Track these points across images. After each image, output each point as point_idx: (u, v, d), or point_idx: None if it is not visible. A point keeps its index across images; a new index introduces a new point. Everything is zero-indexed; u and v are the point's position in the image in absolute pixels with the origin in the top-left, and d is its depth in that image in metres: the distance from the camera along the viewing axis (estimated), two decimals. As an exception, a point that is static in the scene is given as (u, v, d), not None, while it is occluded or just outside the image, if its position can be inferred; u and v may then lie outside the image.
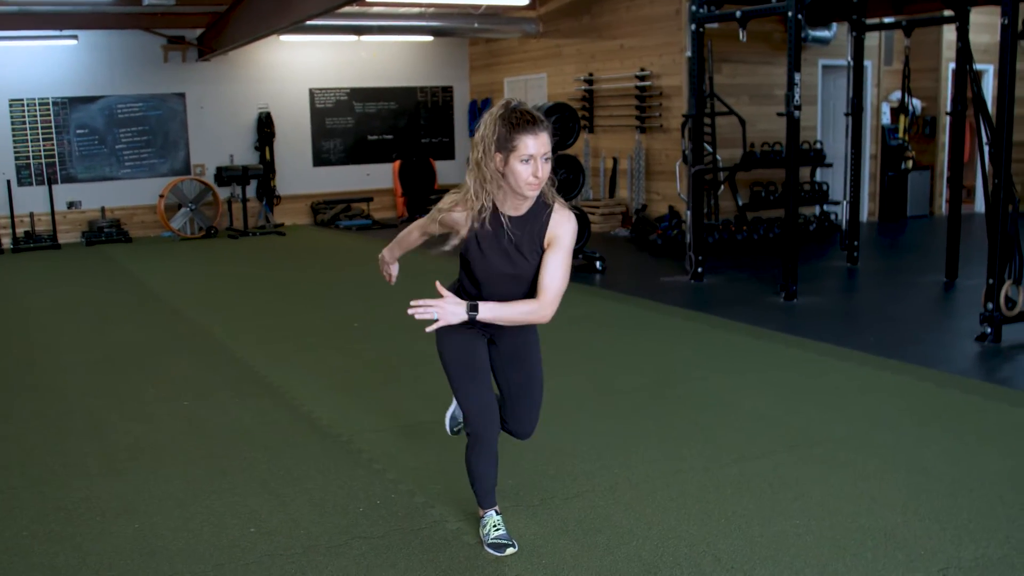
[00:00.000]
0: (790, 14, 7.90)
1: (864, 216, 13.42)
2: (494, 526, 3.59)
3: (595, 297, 8.64)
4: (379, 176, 15.99)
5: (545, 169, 3.15)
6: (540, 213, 3.30)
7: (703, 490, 4.11)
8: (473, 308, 3.19)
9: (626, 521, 3.80)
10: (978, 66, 10.62)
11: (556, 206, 3.32)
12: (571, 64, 13.86)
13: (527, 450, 4.58)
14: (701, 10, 8.90)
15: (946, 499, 3.95)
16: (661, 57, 12.16)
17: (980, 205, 14.43)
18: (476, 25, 13.83)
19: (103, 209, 13.95)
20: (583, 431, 4.89)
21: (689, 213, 9.25)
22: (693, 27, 8.94)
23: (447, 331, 3.41)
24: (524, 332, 3.56)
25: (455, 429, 4.12)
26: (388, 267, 3.97)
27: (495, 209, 3.27)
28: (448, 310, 3.18)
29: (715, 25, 10.20)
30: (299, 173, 15.39)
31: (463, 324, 3.25)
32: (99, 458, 4.71)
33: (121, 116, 14.00)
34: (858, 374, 5.88)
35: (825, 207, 12.36)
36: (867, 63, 12.43)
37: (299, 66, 15.16)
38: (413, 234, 3.69)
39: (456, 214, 3.31)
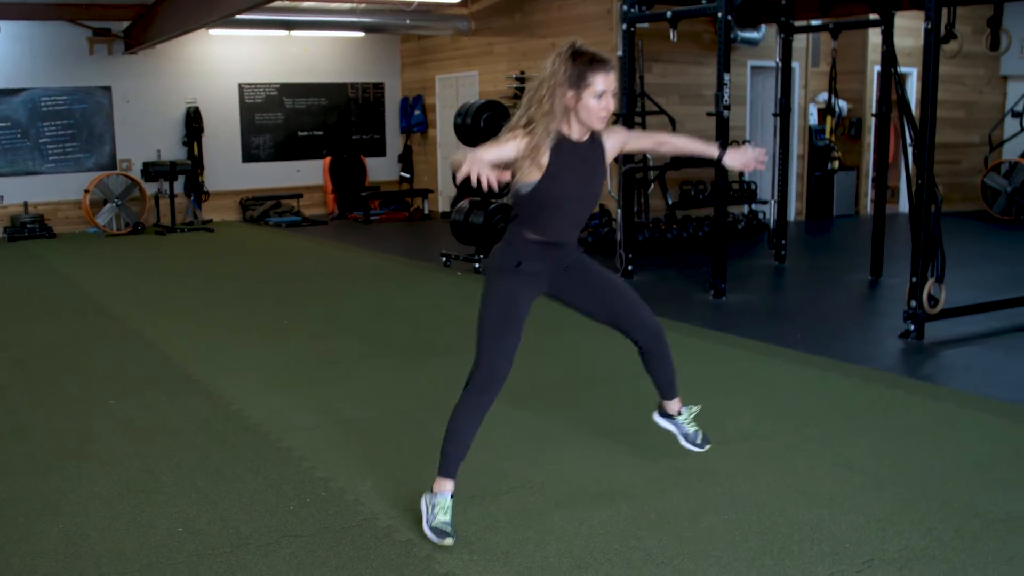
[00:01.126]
0: (720, 15, 7.98)
1: (791, 215, 13.60)
2: (444, 509, 3.58)
3: (526, 294, 8.65)
4: (309, 172, 15.86)
5: (612, 104, 3.48)
6: (596, 138, 3.63)
7: (632, 486, 4.13)
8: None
9: (557, 517, 3.81)
10: (903, 69, 10.81)
11: (602, 130, 3.64)
12: (503, 62, 13.86)
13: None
14: (632, 10, 8.96)
15: (871, 492, 4.02)
16: (592, 56, 12.20)
17: (904, 205, 14.71)
18: (408, 22, 13.79)
19: (26, 204, 13.67)
20: (514, 428, 4.90)
21: (620, 211, 9.31)
22: (624, 27, 8.99)
23: (501, 280, 3.62)
24: (580, 257, 3.80)
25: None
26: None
27: (567, 138, 3.52)
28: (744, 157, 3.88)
29: (646, 25, 10.26)
30: (228, 169, 15.21)
31: (515, 272, 3.58)
32: (22, 457, 4.62)
33: (45, 109, 13.73)
34: (785, 370, 5.97)
35: (753, 206, 12.51)
36: (795, 65, 12.61)
37: (228, 60, 14.99)
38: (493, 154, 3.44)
39: (523, 140, 3.43)
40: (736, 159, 3.86)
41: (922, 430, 4.83)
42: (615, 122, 9.66)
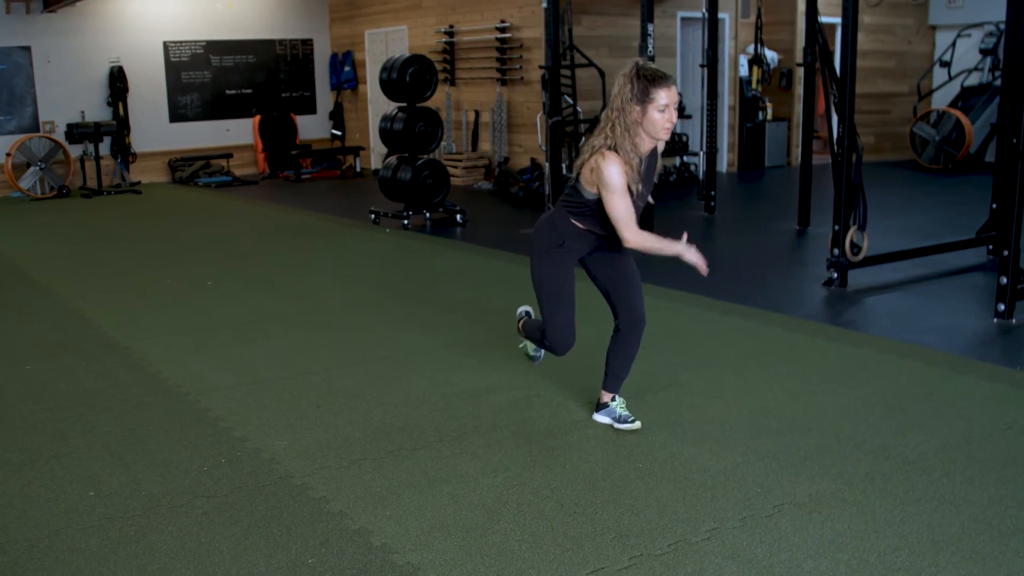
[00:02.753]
0: (643, -35, 7.94)
1: (723, 167, 13.68)
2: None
3: (456, 250, 8.63)
4: (239, 132, 15.64)
5: (675, 116, 3.76)
6: (653, 150, 3.93)
7: (548, 436, 4.14)
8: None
9: (472, 470, 3.80)
10: (829, 19, 10.89)
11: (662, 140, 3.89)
12: (432, 16, 13.73)
13: (375, 403, 4.58)
14: (557, -39, 8.88)
15: (785, 438, 4.06)
16: (521, 9, 12.13)
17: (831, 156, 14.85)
18: (335, -24, 13.59)
19: (-55, 168, 13.37)
20: (433, 383, 4.89)
21: (548, 164, 9.28)
22: (549, -22, 8.91)
23: (550, 258, 4.04)
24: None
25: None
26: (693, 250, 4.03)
27: (634, 152, 3.80)
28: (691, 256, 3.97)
29: (573, -23, 10.20)
30: (155, 129, 14.95)
31: (559, 250, 4.02)
32: (-69, 425, 4.52)
33: (-38, 71, 13.38)
34: (706, 319, 6.00)
35: (684, 158, 12.55)
36: (724, 16, 12.62)
37: (152, 18, 14.68)
38: (643, 233, 3.90)
39: (622, 169, 3.75)
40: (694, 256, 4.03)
41: (839, 376, 4.88)
42: (543, 77, 9.63)
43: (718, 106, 10.56)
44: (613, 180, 3.74)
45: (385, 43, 14.88)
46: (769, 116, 14.23)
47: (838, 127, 6.77)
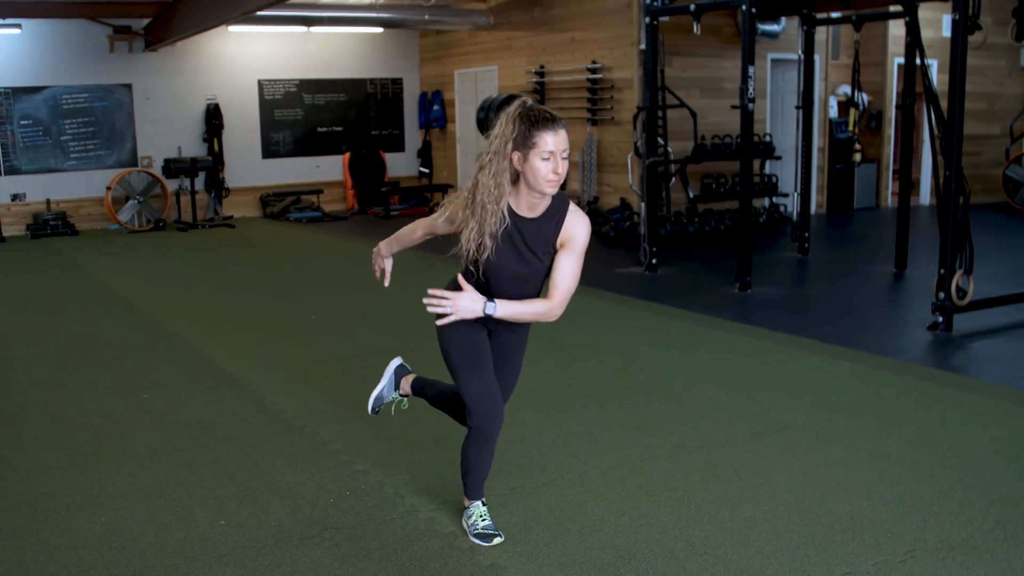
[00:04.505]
0: (744, 7, 7.97)
1: (813, 208, 13.58)
2: (480, 516, 3.59)
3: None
4: (329, 168, 15.90)
5: (564, 166, 3.18)
6: (554, 214, 3.32)
7: (670, 477, 4.15)
8: (490, 305, 3.23)
9: (597, 508, 3.83)
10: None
11: (571, 207, 3.34)
12: (522, 56, 13.87)
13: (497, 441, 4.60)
14: (655, 3, 8.96)
15: (909, 484, 4.02)
16: (612, 50, 12.21)
17: (925, 197, 14.68)
18: (426, 17, 13.80)
19: (48, 201, 13.75)
20: (550, 421, 4.92)
21: (643, 205, 9.31)
22: (647, 20, 8.98)
23: (450, 324, 3.38)
24: (522, 329, 3.59)
25: (376, 408, 4.15)
26: (382, 260, 3.93)
27: (512, 212, 3.28)
28: (463, 305, 3.24)
29: (666, 18, 10.26)
30: (248, 165, 15.26)
31: (458, 277, 3.35)
32: (59, 452, 4.65)
33: (66, 107, 13.78)
34: (814, 362, 5.97)
35: (774, 199, 12.50)
36: (816, 57, 12.59)
37: (248, 57, 15.03)
38: (417, 231, 3.67)
39: (461, 218, 3.30)
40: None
41: (955, 421, 4.83)
42: (635, 116, 9.67)
43: (811, 148, 10.52)
44: (440, 212, 3.41)
45: (475, 83, 15.05)
46: (859, 158, 14.12)
47: (943, 170, 6.72)
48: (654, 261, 9.25)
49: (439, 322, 3.30)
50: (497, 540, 3.54)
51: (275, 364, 6.20)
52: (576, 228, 3.32)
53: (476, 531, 3.57)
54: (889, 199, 14.63)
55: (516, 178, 3.25)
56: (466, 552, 3.47)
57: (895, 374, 5.68)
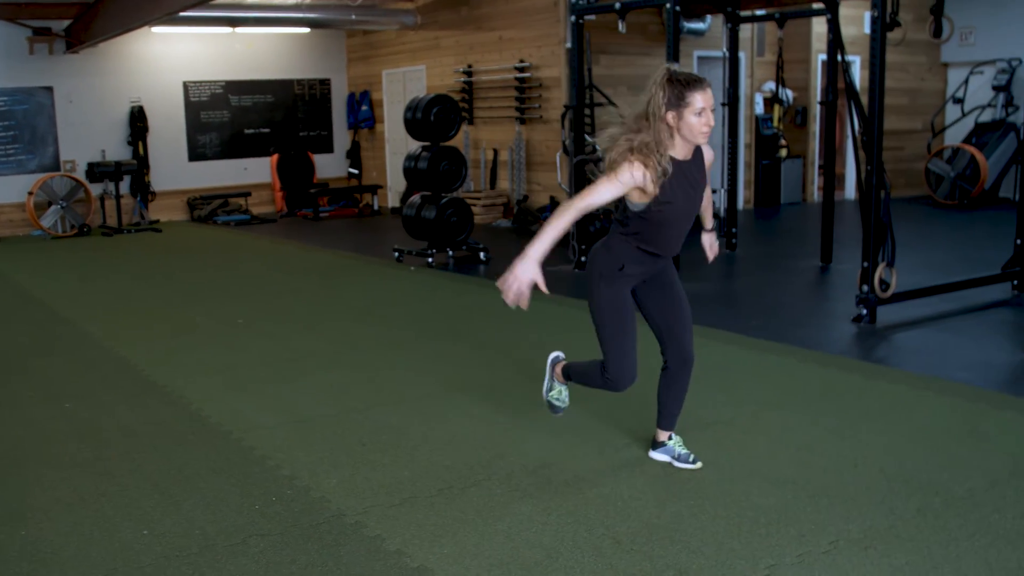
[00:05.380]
0: (668, 5, 8.02)
1: (740, 203, 13.73)
2: (559, 394, 4.48)
3: (481, 287, 8.67)
4: (257, 170, 15.74)
5: (713, 119, 3.68)
6: (697, 152, 3.83)
7: (598, 475, 4.16)
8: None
9: (525, 508, 3.82)
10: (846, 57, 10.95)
11: (703, 145, 3.85)
12: (450, 56, 13.85)
13: (420, 441, 4.60)
14: (581, 1, 8.98)
15: (832, 475, 4.07)
16: (540, 49, 12.24)
17: (850, 192, 14.90)
18: (353, 17, 13.74)
19: (-32, 208, 13.46)
20: (475, 420, 4.91)
21: (572, 203, 9.31)
22: (573, 18, 9.01)
23: (609, 284, 3.90)
24: (671, 263, 4.11)
25: (556, 410, 4.60)
26: (530, 276, 3.66)
27: (673, 160, 3.71)
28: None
29: (592, 17, 10.29)
30: (174, 168, 15.06)
31: (618, 275, 3.88)
32: (-22, 464, 4.55)
33: (-15, 111, 13.49)
34: (741, 357, 6.02)
35: (703, 195, 12.59)
36: (741, 54, 12.72)
37: (172, 58, 14.83)
38: (570, 216, 3.68)
39: (642, 172, 3.63)
40: (708, 241, 4.37)
41: (878, 412, 4.90)
42: (563, 115, 9.70)
43: (738, 144, 10.63)
44: (620, 175, 3.62)
45: (403, 83, 14.99)
46: (784, 154, 14.30)
47: (866, 164, 6.82)
48: (583, 259, 9.28)
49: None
50: (561, 411, 4.56)
51: (201, 369, 6.12)
52: (710, 153, 3.92)
53: (556, 401, 4.51)
54: (815, 194, 14.83)
55: (671, 133, 3.69)
56: (392, 555, 3.45)
57: (820, 367, 5.75)
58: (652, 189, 3.67)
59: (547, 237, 3.62)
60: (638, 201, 3.73)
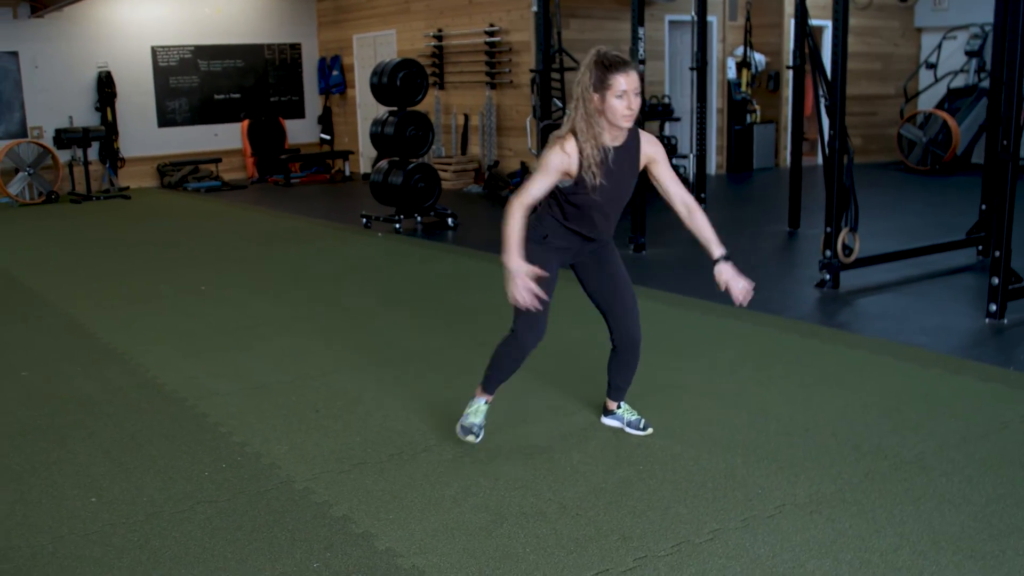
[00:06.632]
0: (634, -31, 7.96)
1: (712, 169, 13.72)
2: (477, 412, 4.09)
3: (449, 254, 8.64)
4: (227, 136, 15.62)
5: (636, 103, 3.62)
6: (633, 140, 3.79)
7: (548, 440, 4.16)
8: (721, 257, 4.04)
9: (473, 473, 3.82)
10: (818, 22, 10.94)
11: (641, 133, 3.84)
12: (420, 20, 13.74)
13: (374, 408, 4.58)
14: (547, -35, 8.90)
15: (783, 439, 4.08)
16: (510, 12, 12.16)
17: (821, 157, 14.90)
18: (323, -20, 13.60)
19: (-67, 175, 13.31)
20: (431, 387, 4.90)
21: (540, 168, 9.28)
22: (539, -18, 8.94)
23: (528, 247, 3.78)
24: (611, 243, 4.06)
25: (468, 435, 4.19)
26: (525, 278, 3.71)
27: (603, 145, 3.68)
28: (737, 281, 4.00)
29: (562, -20, 10.24)
30: (143, 134, 14.93)
31: (542, 244, 3.85)
32: (-72, 432, 4.51)
33: (-51, 76, 13.33)
34: (703, 322, 6.03)
35: (674, 160, 12.57)
36: (712, 19, 12.67)
37: (140, 23, 14.66)
38: (519, 218, 3.74)
39: (570, 156, 3.66)
40: (727, 274, 3.99)
41: (835, 377, 4.91)
42: (532, 80, 9.66)
43: (707, 109, 10.59)
44: (546, 159, 3.68)
45: (374, 47, 14.88)
46: (757, 119, 14.28)
47: (828, 129, 6.81)
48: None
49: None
50: (470, 438, 4.07)
51: (160, 337, 6.08)
52: (652, 147, 3.86)
53: (465, 422, 4.09)
54: (788, 159, 14.77)
55: (600, 118, 3.66)
56: (338, 521, 3.44)
57: (780, 332, 5.76)
58: (576, 173, 3.68)
59: (510, 242, 3.71)
60: (566, 182, 3.74)
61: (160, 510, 3.60)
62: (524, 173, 11.73)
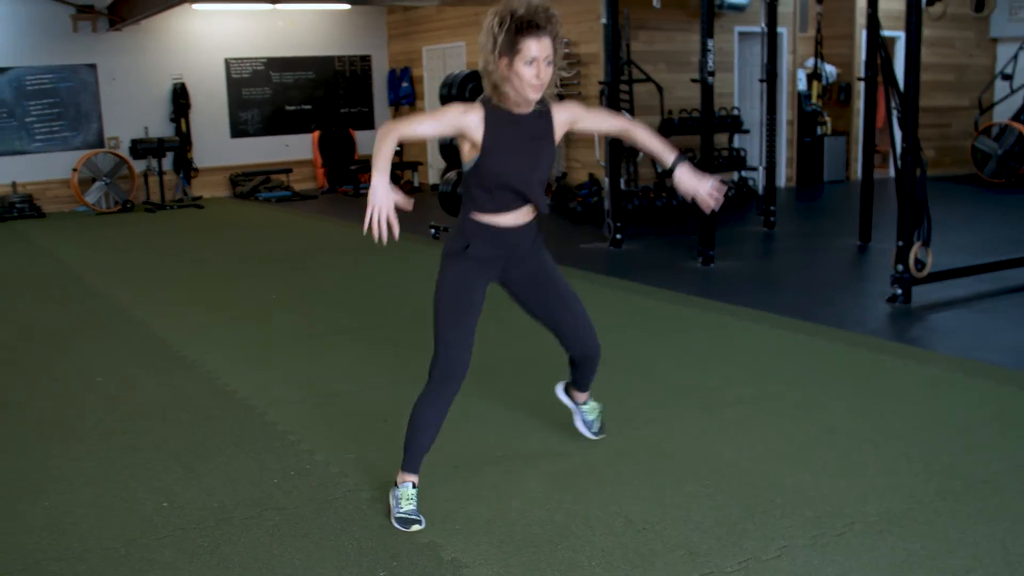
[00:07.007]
0: (704, -20, 7.94)
1: (782, 181, 13.61)
2: (408, 499, 3.52)
3: (515, 265, 8.65)
4: (298, 147, 15.83)
5: (547, 72, 3.24)
6: (543, 111, 3.44)
7: (617, 454, 4.14)
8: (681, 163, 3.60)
9: (540, 486, 3.82)
10: (890, 32, 10.79)
11: (553, 103, 3.48)
12: (490, 32, 13.78)
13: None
14: (616, -23, 8.91)
15: (853, 456, 4.03)
16: (578, 24, 12.17)
17: (893, 170, 14.70)
18: (393, -7, 13.71)
19: (14, 184, 13.62)
20: (499, 399, 4.91)
21: (607, 180, 9.29)
22: (608, -6, 8.93)
23: (452, 265, 3.53)
24: (541, 252, 3.69)
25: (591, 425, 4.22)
26: (387, 199, 3.18)
27: (507, 110, 3.35)
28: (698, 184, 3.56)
29: (631, -8, 10.22)
30: (216, 145, 15.17)
31: (463, 255, 3.49)
32: (6, 437, 4.61)
33: (30, 88, 13.66)
34: (771, 336, 5.97)
35: (743, 173, 12.48)
36: (782, 30, 12.58)
37: (214, 35, 14.91)
38: (391, 139, 3.21)
39: (471, 116, 3.31)
40: (686, 180, 3.58)
41: (906, 394, 4.84)
42: (601, 92, 9.65)
43: (777, 121, 10.51)
44: (447, 111, 3.36)
45: (443, 59, 14.97)
46: (828, 131, 14.13)
47: (901, 142, 6.72)
48: (618, 236, 9.24)
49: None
50: (416, 527, 3.46)
51: (231, 344, 6.17)
52: (566, 108, 3.53)
53: (399, 514, 3.50)
54: (859, 172, 14.62)
55: (505, 81, 3.28)
56: (404, 532, 3.46)
57: (850, 347, 5.69)
58: (480, 142, 3.33)
59: (378, 164, 3.16)
60: (468, 159, 3.40)
61: (230, 516, 3.65)
62: (592, 185, 11.72)
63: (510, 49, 3.18)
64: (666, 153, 3.61)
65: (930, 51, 13.93)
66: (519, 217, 3.52)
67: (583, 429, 4.19)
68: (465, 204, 3.52)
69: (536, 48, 3.18)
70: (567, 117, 3.52)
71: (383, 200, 3.15)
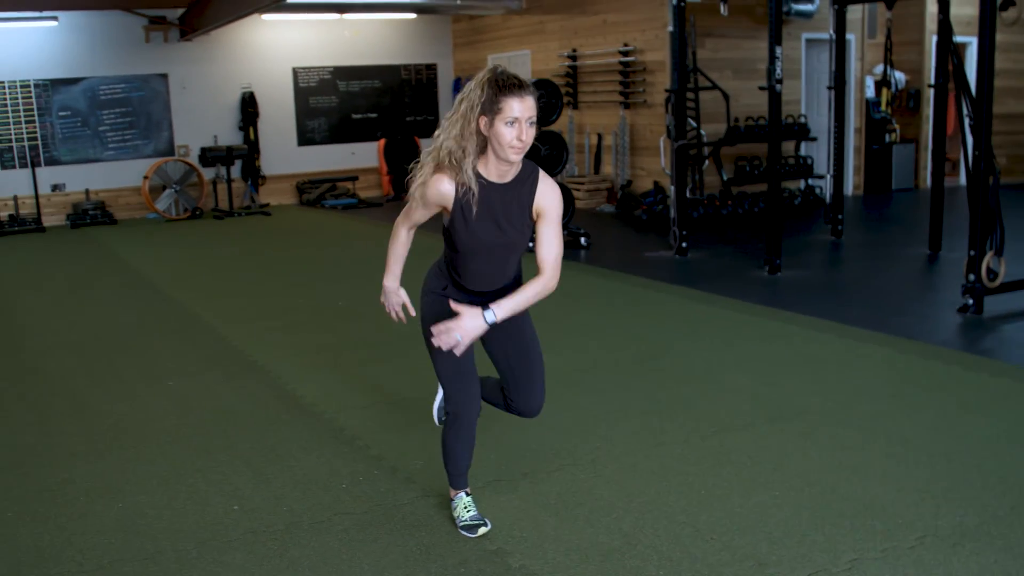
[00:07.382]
0: (771, -13, 7.89)
1: (849, 189, 13.45)
2: (465, 507, 3.57)
3: (580, 273, 8.65)
4: (364, 155, 15.96)
5: (530, 133, 3.10)
6: (526, 179, 3.26)
7: (684, 462, 4.13)
8: (489, 314, 3.18)
9: (607, 494, 3.82)
10: (961, 38, 10.64)
11: (540, 174, 3.29)
12: (554, 40, 13.82)
13: (509, 425, 4.60)
14: (683, -16, 8.88)
15: (925, 469, 3.98)
16: (644, 32, 12.14)
17: (964, 178, 14.46)
18: (459, 2, 13.76)
19: (87, 191, 13.90)
20: (565, 406, 4.91)
21: (673, 188, 9.25)
22: (675, 1, 8.91)
23: (432, 304, 3.47)
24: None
25: (443, 419, 4.05)
26: (395, 297, 3.73)
27: (480, 177, 3.20)
28: (468, 327, 3.17)
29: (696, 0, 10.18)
30: (284, 153, 15.35)
31: (442, 294, 3.45)
32: (82, 439, 4.71)
33: (103, 98, 13.92)
34: (840, 346, 5.91)
35: (810, 181, 12.36)
36: (850, 36, 12.46)
37: (282, 45, 15.10)
38: (401, 237, 3.56)
39: (443, 186, 3.19)
40: (463, 311, 3.21)
41: (978, 406, 4.76)
42: (667, 99, 9.62)
43: (845, 128, 10.40)
44: (426, 190, 3.22)
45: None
46: (896, 138, 13.95)
47: (973, 149, 6.62)
48: (684, 244, 9.20)
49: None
50: (483, 530, 3.51)
51: (300, 350, 6.24)
52: (548, 197, 3.27)
53: (462, 523, 3.54)
54: (928, 180, 14.40)
55: (485, 145, 3.16)
56: (471, 539, 3.48)
57: (921, 357, 5.61)
58: (449, 207, 3.22)
59: (390, 262, 3.64)
60: (447, 217, 3.30)
61: (299, 520, 3.69)
62: (656, 193, 11.68)
63: (490, 108, 3.07)
64: (498, 303, 3.23)
65: (1000, 56, 13.61)
66: (490, 284, 3.41)
67: (437, 413, 3.94)
68: (446, 254, 3.47)
69: (519, 107, 3.06)
70: (545, 203, 3.27)
71: (392, 302, 3.75)
